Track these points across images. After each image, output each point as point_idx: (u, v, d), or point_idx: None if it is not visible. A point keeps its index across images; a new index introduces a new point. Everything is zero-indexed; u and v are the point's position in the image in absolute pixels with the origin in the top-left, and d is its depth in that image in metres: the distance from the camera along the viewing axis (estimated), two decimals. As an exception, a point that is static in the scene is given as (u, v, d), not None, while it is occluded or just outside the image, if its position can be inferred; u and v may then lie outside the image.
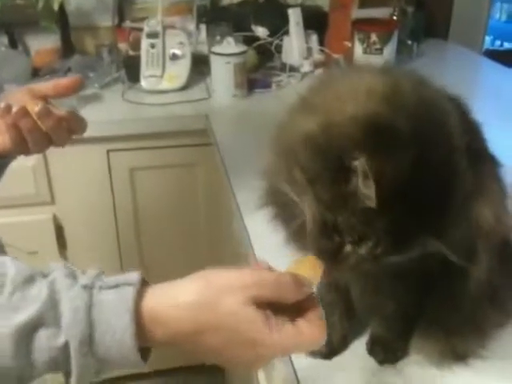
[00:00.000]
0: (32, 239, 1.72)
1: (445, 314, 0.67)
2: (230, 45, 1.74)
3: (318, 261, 0.58)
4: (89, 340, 0.52)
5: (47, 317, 0.53)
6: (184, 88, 1.81)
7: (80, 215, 1.75)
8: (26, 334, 0.52)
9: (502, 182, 0.69)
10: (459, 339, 0.71)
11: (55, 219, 1.73)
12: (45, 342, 0.52)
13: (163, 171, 1.74)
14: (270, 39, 2.01)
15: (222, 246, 1.69)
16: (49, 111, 0.85)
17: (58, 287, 0.54)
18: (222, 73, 1.71)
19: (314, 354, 0.74)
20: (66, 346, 0.52)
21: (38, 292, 0.54)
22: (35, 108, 0.83)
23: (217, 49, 1.74)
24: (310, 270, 0.58)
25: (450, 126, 0.58)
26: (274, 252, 0.71)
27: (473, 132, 0.67)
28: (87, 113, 1.66)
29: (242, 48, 1.74)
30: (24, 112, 0.83)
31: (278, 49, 2.00)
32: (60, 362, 0.53)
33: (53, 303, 0.53)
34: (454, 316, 0.69)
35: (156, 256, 1.85)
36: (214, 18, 2.00)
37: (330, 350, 0.75)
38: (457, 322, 0.70)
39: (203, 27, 1.98)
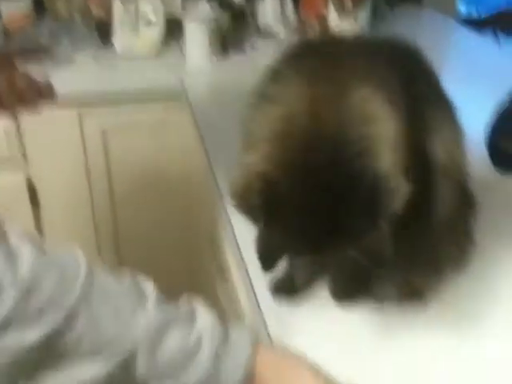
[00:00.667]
0: (5, 202, 1.72)
1: (406, 254, 0.68)
2: (204, 9, 1.73)
3: None
4: None
5: None
6: (158, 52, 1.80)
7: (54, 178, 1.75)
8: None
9: (458, 124, 0.72)
10: (419, 277, 0.73)
11: (29, 182, 1.73)
12: None
13: (136, 133, 1.74)
14: (244, 3, 2.00)
15: (197, 204, 1.70)
16: None
17: None
18: (197, 37, 1.71)
19: (278, 290, 0.76)
20: None
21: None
22: None
23: (191, 13, 1.73)
24: None
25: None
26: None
27: (424, 79, 0.71)
28: (60, 76, 1.67)
29: (216, 12, 1.74)
30: None
31: (254, 14, 2.00)
32: None
33: None
34: (415, 256, 0.71)
35: (130, 215, 1.85)
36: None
37: (293, 288, 0.77)
38: (417, 262, 0.72)
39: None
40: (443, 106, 0.72)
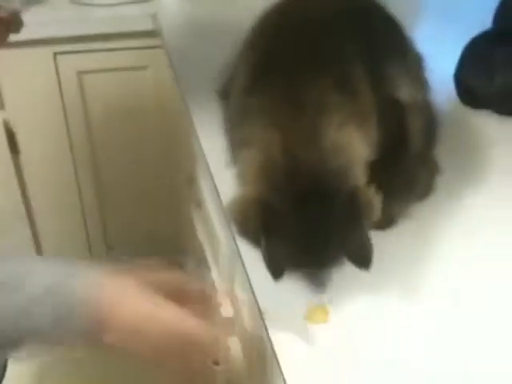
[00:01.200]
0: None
1: (382, 185, 0.72)
2: None
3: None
4: None
5: None
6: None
7: (31, 120, 1.76)
8: None
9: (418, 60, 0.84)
10: (392, 204, 0.78)
11: (5, 124, 1.73)
12: None
13: (113, 74, 1.74)
14: None
15: (173, 149, 1.72)
16: None
17: None
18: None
19: None
20: None
21: None
22: None
23: None
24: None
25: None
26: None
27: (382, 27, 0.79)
28: (31, 14, 1.65)
29: None
30: None
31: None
32: None
33: None
34: (390, 185, 0.75)
35: (109, 158, 1.88)
36: None
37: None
38: (392, 191, 0.76)
39: None
40: (404, 50, 0.81)
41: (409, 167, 0.78)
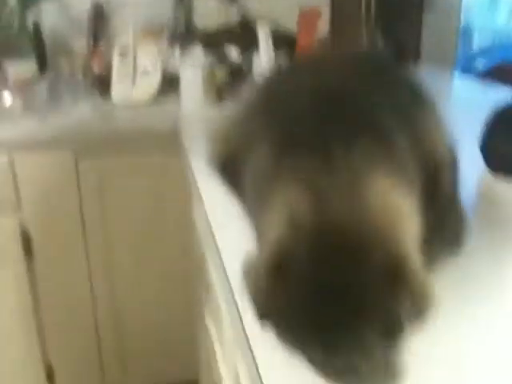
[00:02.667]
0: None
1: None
2: (199, 56, 1.78)
3: None
4: None
5: None
6: (154, 101, 1.83)
7: (48, 224, 1.73)
8: None
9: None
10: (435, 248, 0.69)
11: (22, 227, 1.71)
12: None
13: (133, 180, 1.73)
14: (241, 60, 2.06)
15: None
16: None
17: None
18: (191, 81, 1.74)
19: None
20: None
21: None
22: None
23: (187, 60, 1.78)
24: None
25: None
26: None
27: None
28: (56, 119, 1.70)
29: (210, 59, 1.79)
30: None
31: (250, 66, 2.05)
32: None
33: None
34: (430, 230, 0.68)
35: (125, 266, 1.82)
36: (187, 40, 2.06)
37: None
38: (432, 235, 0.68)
39: (176, 46, 2.03)
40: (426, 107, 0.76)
41: (442, 212, 0.71)
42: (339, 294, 0.52)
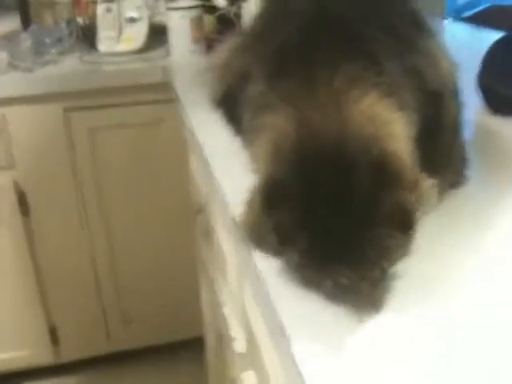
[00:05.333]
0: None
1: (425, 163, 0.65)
2: (186, 4, 1.73)
3: None
4: None
5: None
6: (142, 51, 1.79)
7: (41, 179, 1.71)
8: None
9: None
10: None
11: (16, 184, 1.69)
12: None
13: (124, 130, 1.71)
14: (228, 6, 2.01)
15: (187, 205, 1.65)
16: None
17: None
18: (178, 28, 1.70)
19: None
20: None
21: None
22: None
23: (172, 4, 1.73)
24: None
25: None
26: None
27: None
28: (43, 73, 1.66)
29: (196, 2, 1.74)
30: None
31: (238, 15, 2.00)
32: None
33: None
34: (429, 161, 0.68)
35: (122, 217, 1.81)
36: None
37: None
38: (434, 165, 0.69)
39: (161, -4, 1.98)
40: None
41: (445, 143, 0.71)
42: (333, 204, 0.53)
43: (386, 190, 0.53)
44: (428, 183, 0.59)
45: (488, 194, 0.78)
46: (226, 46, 0.81)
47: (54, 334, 1.87)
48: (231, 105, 0.78)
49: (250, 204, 0.62)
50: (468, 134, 0.96)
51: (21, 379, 1.92)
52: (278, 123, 0.59)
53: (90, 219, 1.79)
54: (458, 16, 2.24)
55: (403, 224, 0.52)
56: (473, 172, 0.80)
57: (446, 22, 2.18)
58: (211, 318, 1.31)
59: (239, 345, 0.89)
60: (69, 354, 1.90)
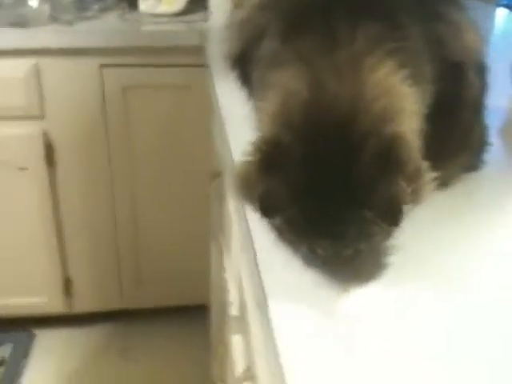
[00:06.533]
0: (21, 154, 1.72)
1: (435, 148, 0.63)
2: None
3: None
4: None
5: None
6: (182, 14, 1.79)
7: (71, 132, 1.73)
8: None
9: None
10: (447, 163, 0.67)
11: (45, 135, 1.71)
12: None
13: (157, 91, 1.72)
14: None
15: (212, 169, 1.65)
16: None
17: None
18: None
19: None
20: None
21: None
22: None
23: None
24: None
25: None
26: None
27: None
28: (83, 27, 1.68)
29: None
30: None
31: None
32: None
33: None
34: (446, 138, 0.66)
35: (147, 178, 1.82)
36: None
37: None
38: (447, 145, 0.67)
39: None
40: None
41: (465, 121, 0.68)
42: (329, 179, 0.52)
43: (385, 176, 0.51)
44: (428, 177, 0.57)
45: (505, 181, 0.75)
46: (248, 3, 0.79)
47: (68, 285, 1.91)
48: (246, 64, 0.75)
49: (249, 159, 0.60)
50: (497, 119, 0.94)
51: (32, 326, 1.98)
52: (289, 81, 0.57)
53: (115, 177, 1.80)
54: (510, 5, 2.17)
55: (391, 217, 0.51)
56: (494, 158, 0.77)
57: (498, 9, 2.12)
58: (217, 284, 1.31)
59: (234, 309, 0.89)
60: (81, 306, 1.94)
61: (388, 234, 0.55)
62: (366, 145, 0.52)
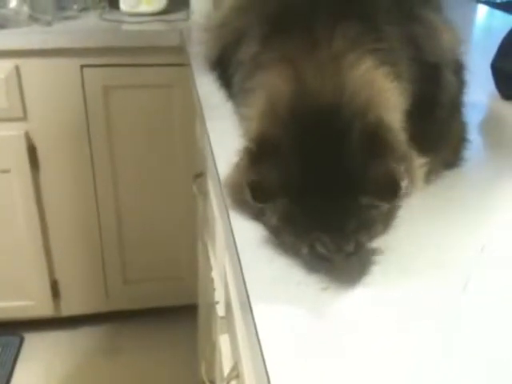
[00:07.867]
0: (3, 156, 1.70)
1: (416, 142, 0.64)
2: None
3: None
4: None
5: None
6: (163, 13, 1.79)
7: (53, 133, 1.72)
8: None
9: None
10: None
11: (27, 137, 1.70)
12: None
13: (138, 91, 1.71)
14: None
15: (192, 169, 1.65)
16: None
17: None
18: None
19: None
20: None
21: None
22: None
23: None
24: None
25: None
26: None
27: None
28: (62, 27, 1.67)
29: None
30: None
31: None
32: None
33: None
34: (425, 142, 0.67)
35: (129, 177, 1.82)
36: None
37: None
38: (426, 142, 0.67)
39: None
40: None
41: (443, 119, 0.69)
42: (321, 169, 0.52)
43: (376, 158, 0.52)
44: (418, 162, 0.57)
45: (485, 177, 0.76)
46: (227, 5, 0.79)
47: (55, 288, 1.90)
48: (225, 68, 0.75)
49: (237, 165, 0.61)
50: (476, 116, 0.95)
51: (21, 330, 1.96)
52: (273, 81, 0.58)
53: (99, 177, 1.80)
54: (491, 2, 2.19)
55: (389, 191, 0.51)
56: (474, 154, 0.78)
57: (478, 6, 2.13)
58: (205, 283, 1.31)
59: (221, 309, 0.89)
60: (69, 309, 1.94)
61: (388, 220, 0.55)
62: (353, 130, 0.52)
